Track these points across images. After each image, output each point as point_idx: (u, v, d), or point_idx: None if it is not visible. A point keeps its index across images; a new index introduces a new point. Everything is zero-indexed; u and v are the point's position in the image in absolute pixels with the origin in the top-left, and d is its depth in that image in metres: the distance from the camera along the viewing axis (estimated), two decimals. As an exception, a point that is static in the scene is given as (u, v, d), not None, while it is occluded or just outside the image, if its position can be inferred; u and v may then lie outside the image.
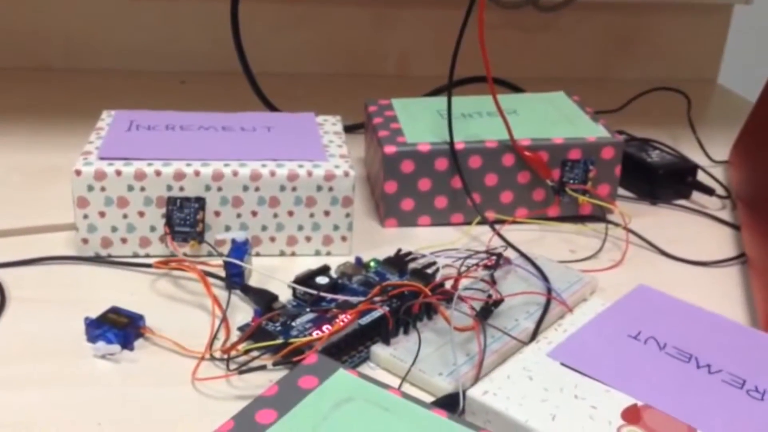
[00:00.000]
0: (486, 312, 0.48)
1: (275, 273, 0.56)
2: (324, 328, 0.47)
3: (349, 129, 0.78)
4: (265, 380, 0.44)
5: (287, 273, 0.55)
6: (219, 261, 0.54)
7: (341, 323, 0.46)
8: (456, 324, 0.46)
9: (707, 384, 0.41)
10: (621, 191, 0.71)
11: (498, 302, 0.49)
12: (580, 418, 0.38)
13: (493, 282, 0.52)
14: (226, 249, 0.55)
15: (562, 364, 0.42)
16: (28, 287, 0.53)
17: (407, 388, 0.44)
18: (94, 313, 0.48)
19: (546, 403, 0.39)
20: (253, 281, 0.54)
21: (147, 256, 0.57)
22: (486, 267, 0.55)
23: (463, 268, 0.54)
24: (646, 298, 0.49)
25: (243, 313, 0.51)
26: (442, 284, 0.50)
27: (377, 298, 0.48)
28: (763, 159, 0.66)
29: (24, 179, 0.69)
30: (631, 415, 0.39)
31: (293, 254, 0.59)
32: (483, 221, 0.63)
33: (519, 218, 0.65)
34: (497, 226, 0.62)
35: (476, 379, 0.43)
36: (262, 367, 0.43)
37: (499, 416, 0.39)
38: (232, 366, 0.44)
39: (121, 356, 0.46)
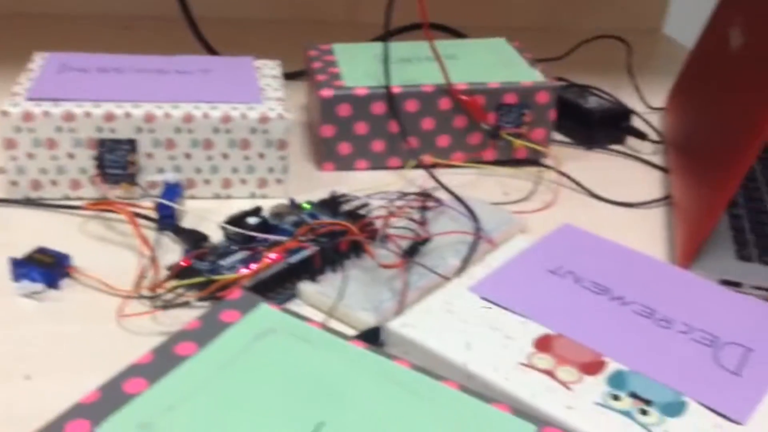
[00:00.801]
0: (412, 250, 0.49)
1: (209, 215, 0.56)
2: (252, 266, 0.47)
3: (292, 76, 0.78)
4: (189, 316, 0.44)
5: (221, 215, 0.55)
6: (151, 204, 0.54)
7: (268, 261, 0.46)
8: (382, 261, 0.47)
9: (618, 314, 0.42)
10: (558, 137, 0.72)
11: (425, 240, 0.50)
12: (493, 347, 0.40)
13: (422, 222, 0.53)
14: (159, 191, 0.54)
15: (482, 298, 0.43)
16: (-45, 229, 0.53)
17: (333, 323, 0.45)
18: (21, 254, 0.48)
19: (463, 334, 0.41)
20: (187, 223, 0.55)
21: (78, 198, 0.56)
22: (417, 208, 0.56)
23: (394, 209, 0.55)
24: (570, 236, 0.50)
25: (174, 254, 0.51)
26: (370, 223, 0.51)
27: (306, 238, 0.49)
28: (695, 104, 0.68)
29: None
30: (543, 343, 0.40)
31: (228, 197, 0.59)
32: (418, 165, 0.63)
33: (454, 162, 0.65)
34: (433, 170, 0.62)
35: (398, 313, 0.44)
36: (186, 304, 0.43)
37: (416, 347, 0.40)
38: (159, 303, 0.45)
39: (47, 295, 0.46)
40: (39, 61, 0.62)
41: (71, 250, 0.49)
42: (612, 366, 0.39)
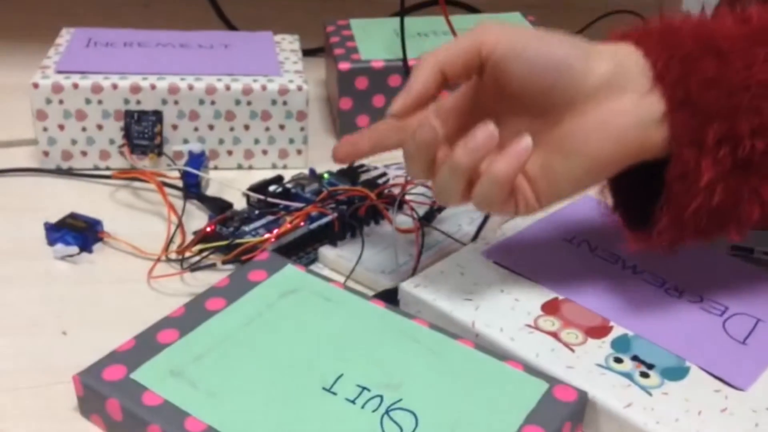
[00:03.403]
0: (429, 216, 0.51)
1: (232, 184, 0.58)
2: (275, 231, 0.49)
3: (311, 52, 0.79)
4: (217, 278, 0.46)
5: (244, 184, 0.57)
6: (177, 173, 0.56)
7: (289, 226, 0.48)
8: (399, 225, 0.48)
9: (629, 282, 0.44)
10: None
11: (441, 207, 0.52)
12: (501, 309, 0.41)
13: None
14: (184, 161, 0.56)
15: (495, 263, 0.45)
16: (-9, 197, 0.55)
17: (352, 285, 0.47)
18: (55, 220, 0.50)
19: (473, 295, 0.42)
20: (211, 192, 0.57)
21: (107, 168, 0.58)
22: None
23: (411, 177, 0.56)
24: (590, 207, 0.51)
25: (199, 220, 0.53)
26: (388, 190, 0.52)
27: (326, 204, 0.51)
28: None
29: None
30: (550, 307, 0.42)
31: (250, 168, 0.61)
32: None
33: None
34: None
35: (413, 274, 0.46)
36: (212, 265, 0.45)
37: (427, 306, 0.42)
38: (186, 265, 0.47)
39: (80, 258, 0.49)
40: (66, 35, 0.64)
41: (102, 216, 0.51)
42: (617, 331, 0.40)
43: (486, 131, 0.36)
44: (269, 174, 0.59)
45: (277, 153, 0.60)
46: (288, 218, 0.50)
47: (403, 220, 0.51)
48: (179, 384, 0.35)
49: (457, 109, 0.41)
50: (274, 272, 0.42)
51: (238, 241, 0.47)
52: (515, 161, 0.36)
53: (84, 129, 0.57)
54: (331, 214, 0.50)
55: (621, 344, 0.39)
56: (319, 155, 0.63)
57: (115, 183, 0.57)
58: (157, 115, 0.57)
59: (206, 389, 0.35)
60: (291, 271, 0.43)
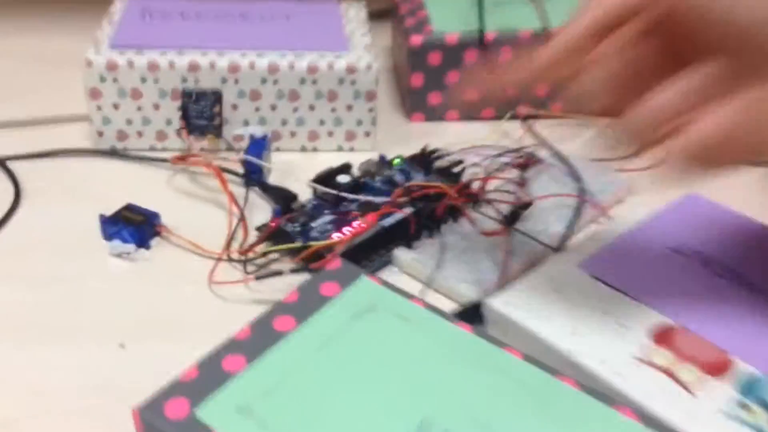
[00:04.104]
0: (514, 216, 0.46)
1: (295, 170, 0.54)
2: (344, 230, 0.45)
3: (377, 15, 0.74)
4: (284, 284, 0.43)
5: (308, 170, 0.53)
6: (237, 156, 0.52)
7: (362, 226, 0.44)
8: (483, 228, 0.44)
9: (752, 306, 0.38)
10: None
11: (526, 205, 0.47)
12: (603, 336, 0.36)
13: (522, 183, 0.50)
14: (245, 144, 0.52)
15: (593, 277, 0.40)
16: (43, 180, 0.52)
17: (430, 293, 0.43)
18: (110, 209, 0.47)
19: (569, 317, 0.38)
20: (273, 178, 0.53)
21: (164, 149, 0.55)
22: (516, 166, 0.52)
23: (492, 169, 0.51)
24: (695, 208, 0.45)
25: (261, 211, 0.49)
26: (468, 185, 0.48)
27: (400, 200, 0.46)
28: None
29: (38, 66, 0.66)
30: (663, 336, 0.36)
31: (315, 150, 0.56)
32: (515, 116, 0.59)
33: (554, 113, 0.61)
34: (530, 122, 0.59)
35: (501, 287, 0.42)
36: (279, 273, 0.41)
37: (518, 328, 0.37)
38: (250, 268, 0.43)
39: (137, 255, 0.45)
40: (120, 4, 0.60)
41: (158, 205, 0.48)
42: (740, 368, 0.35)
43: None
44: (335, 157, 0.55)
45: (343, 135, 0.56)
46: (359, 214, 0.46)
47: (482, 218, 0.46)
48: (247, 423, 0.31)
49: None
50: (347, 285, 0.38)
51: (309, 243, 0.43)
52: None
53: (139, 108, 0.54)
54: (405, 212, 0.45)
55: (747, 386, 0.34)
56: (387, 135, 0.58)
57: (172, 167, 0.53)
58: (216, 95, 0.53)
59: (276, 430, 0.31)
60: (365, 284, 0.38)
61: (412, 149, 0.54)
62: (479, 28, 0.59)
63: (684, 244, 0.42)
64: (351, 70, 0.53)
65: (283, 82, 0.53)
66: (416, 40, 0.58)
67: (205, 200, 0.51)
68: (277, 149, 0.56)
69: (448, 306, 0.42)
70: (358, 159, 0.53)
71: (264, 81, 0.53)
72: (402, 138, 0.59)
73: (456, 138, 0.58)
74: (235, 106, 0.54)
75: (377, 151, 0.56)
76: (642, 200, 0.52)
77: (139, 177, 0.53)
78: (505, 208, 0.47)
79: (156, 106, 0.53)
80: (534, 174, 0.52)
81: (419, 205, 0.46)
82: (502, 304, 0.39)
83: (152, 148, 0.55)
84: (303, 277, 0.42)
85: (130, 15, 0.58)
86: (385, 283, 0.39)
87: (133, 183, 0.52)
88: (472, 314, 0.41)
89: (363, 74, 0.54)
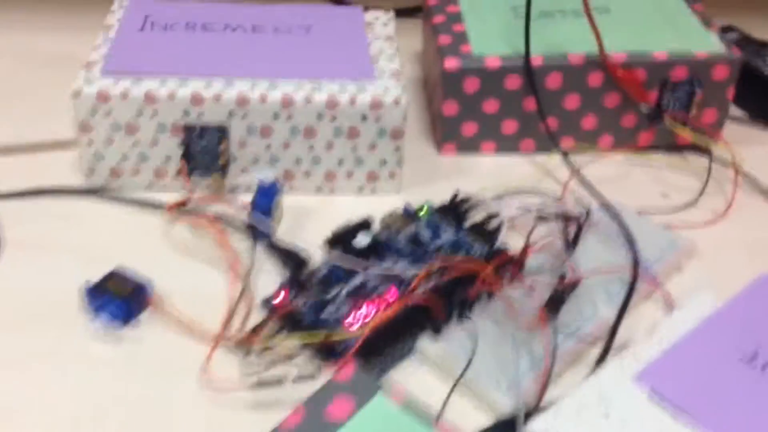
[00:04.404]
0: (558, 301, 0.40)
1: (309, 217, 0.48)
2: (362, 311, 0.39)
3: (404, 13, 0.66)
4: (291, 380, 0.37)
5: (323, 217, 0.47)
6: (243, 205, 0.46)
7: (385, 313, 0.38)
8: (521, 318, 0.38)
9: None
10: (731, 109, 0.59)
11: (573, 286, 0.41)
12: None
13: (568, 253, 0.43)
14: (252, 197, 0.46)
15: (653, 393, 0.34)
16: (26, 224, 0.46)
17: (458, 394, 0.37)
18: (97, 266, 0.41)
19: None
20: (283, 228, 0.47)
21: (163, 188, 0.49)
22: (560, 225, 0.46)
23: (530, 226, 0.44)
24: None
25: (268, 275, 0.43)
26: (505, 261, 0.41)
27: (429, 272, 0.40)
28: None
29: (27, 66, 0.60)
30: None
31: (332, 192, 0.50)
32: (561, 152, 0.53)
33: (603, 149, 0.54)
34: (576, 158, 0.52)
35: (540, 397, 0.36)
36: (280, 382, 0.35)
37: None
38: (249, 363, 0.37)
39: (124, 334, 0.40)
40: (118, 11, 0.53)
41: (151, 262, 0.42)
42: None
43: None
44: (353, 202, 0.49)
45: (365, 176, 0.49)
46: (379, 294, 0.40)
47: (517, 297, 0.40)
48: None
49: None
50: (361, 405, 0.33)
51: (328, 334, 0.37)
52: None
53: (135, 144, 0.47)
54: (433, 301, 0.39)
55: None
56: (414, 172, 0.52)
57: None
58: (222, 131, 0.47)
59: None
60: (381, 405, 0.33)
61: (441, 190, 0.48)
62: (524, 53, 0.51)
63: (757, 352, 0.35)
64: (376, 105, 0.47)
65: (298, 118, 0.47)
66: (452, 63, 0.51)
67: (205, 258, 0.45)
68: (290, 188, 0.49)
69: (479, 410, 0.36)
70: (380, 203, 0.47)
71: (276, 116, 0.47)
72: (430, 175, 0.52)
73: (491, 177, 0.51)
74: (242, 143, 0.47)
75: (402, 194, 0.49)
76: (704, 266, 0.45)
77: (131, 224, 0.47)
78: (547, 288, 0.40)
79: (154, 142, 0.47)
80: (580, 233, 0.45)
81: (447, 284, 0.40)
82: (541, 428, 0.33)
83: (150, 187, 0.49)
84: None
85: (128, 25, 0.51)
86: (406, 401, 0.33)
87: (124, 232, 0.46)
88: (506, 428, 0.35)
89: (389, 110, 0.47)
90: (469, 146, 0.54)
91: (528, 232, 0.43)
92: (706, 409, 0.33)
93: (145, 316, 0.41)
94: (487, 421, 0.36)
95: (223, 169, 0.48)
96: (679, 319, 0.38)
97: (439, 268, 0.40)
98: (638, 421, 0.33)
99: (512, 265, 0.41)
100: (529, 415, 0.34)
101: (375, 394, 0.33)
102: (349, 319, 0.39)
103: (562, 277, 0.41)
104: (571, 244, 0.43)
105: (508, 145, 0.54)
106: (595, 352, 0.39)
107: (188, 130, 0.47)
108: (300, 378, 0.35)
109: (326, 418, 0.32)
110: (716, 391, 0.34)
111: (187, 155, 0.47)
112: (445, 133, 0.54)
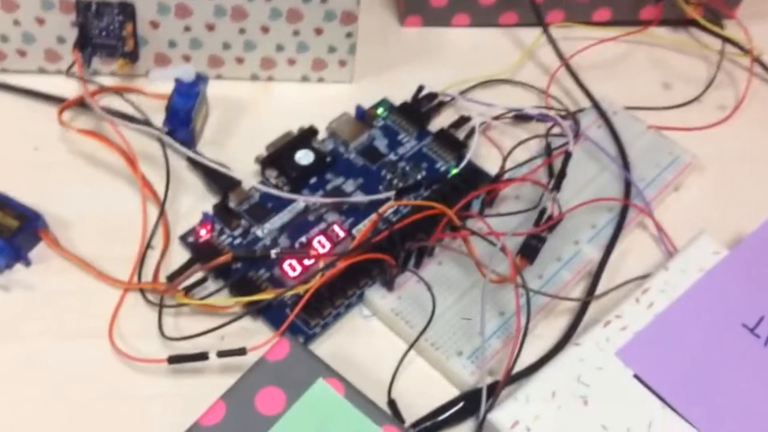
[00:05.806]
0: (534, 248, 0.33)
1: (242, 111, 0.40)
2: (307, 276, 0.32)
3: None
4: (216, 339, 0.31)
5: (260, 110, 0.39)
6: (162, 85, 0.37)
7: (327, 275, 0.31)
8: (492, 275, 0.31)
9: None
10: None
11: (554, 226, 0.34)
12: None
13: (553, 185, 0.35)
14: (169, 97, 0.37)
15: (636, 377, 0.29)
16: None
17: (413, 363, 0.32)
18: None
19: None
20: (210, 125, 0.39)
21: (58, 72, 0.40)
22: (544, 138, 0.38)
23: (509, 161, 0.36)
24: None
25: (189, 198, 0.36)
26: (473, 197, 0.34)
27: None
28: None
29: None
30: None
31: (270, 79, 0.41)
32: (547, 32, 0.44)
33: (598, 25, 0.45)
34: (566, 34, 0.44)
35: (510, 366, 0.30)
36: (204, 357, 0.29)
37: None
38: (168, 310, 0.31)
39: (11, 275, 0.33)
40: None
41: (45, 180, 0.35)
42: None
43: None
44: (297, 90, 0.41)
45: (309, 64, 0.41)
46: (323, 216, 0.33)
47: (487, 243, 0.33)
48: None
49: None
50: (298, 395, 0.27)
51: (259, 297, 0.31)
52: None
53: (16, 23, 0.37)
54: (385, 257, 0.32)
55: None
56: (370, 49, 0.42)
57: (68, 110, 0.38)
58: (127, 9, 0.37)
59: None
60: (323, 391, 0.27)
61: (403, 75, 0.41)
62: None
63: (762, 317, 0.30)
64: (321, -22, 0.37)
65: (223, -7, 0.37)
66: None
67: (109, 177, 0.36)
68: (218, 77, 0.41)
69: (439, 378, 0.31)
70: (327, 94, 0.40)
71: (194, -10, 0.37)
72: (390, 55, 0.43)
73: (462, 60, 0.43)
74: (154, 24, 0.38)
75: (354, 84, 0.41)
76: (709, 185, 0.39)
77: (22, 123, 0.38)
78: (522, 223, 0.34)
79: (40, 21, 0.37)
80: (567, 164, 0.37)
81: (399, 231, 0.32)
82: (510, 425, 0.27)
83: (41, 70, 0.40)
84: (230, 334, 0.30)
85: None
86: (349, 391, 0.27)
87: (16, 132, 0.38)
88: (465, 409, 0.30)
89: (338, -15, 0.37)
90: (437, 19, 0.45)
91: (504, 155, 0.35)
92: (694, 400, 0.28)
93: (36, 253, 0.33)
94: (448, 395, 0.30)
95: (133, 54, 0.39)
96: (673, 278, 0.32)
97: (392, 210, 0.32)
98: (624, 408, 0.28)
99: (482, 201, 0.34)
100: (493, 388, 0.29)
101: (316, 380, 0.27)
102: (287, 267, 0.32)
103: (541, 213, 0.34)
104: (556, 177, 0.35)
105: (484, 18, 0.45)
106: (574, 305, 0.33)
107: (82, 6, 0.37)
108: (222, 354, 0.29)
109: (255, 410, 0.26)
110: (708, 381, 0.29)
111: (82, 39, 0.38)
112: (410, 3, 0.44)
